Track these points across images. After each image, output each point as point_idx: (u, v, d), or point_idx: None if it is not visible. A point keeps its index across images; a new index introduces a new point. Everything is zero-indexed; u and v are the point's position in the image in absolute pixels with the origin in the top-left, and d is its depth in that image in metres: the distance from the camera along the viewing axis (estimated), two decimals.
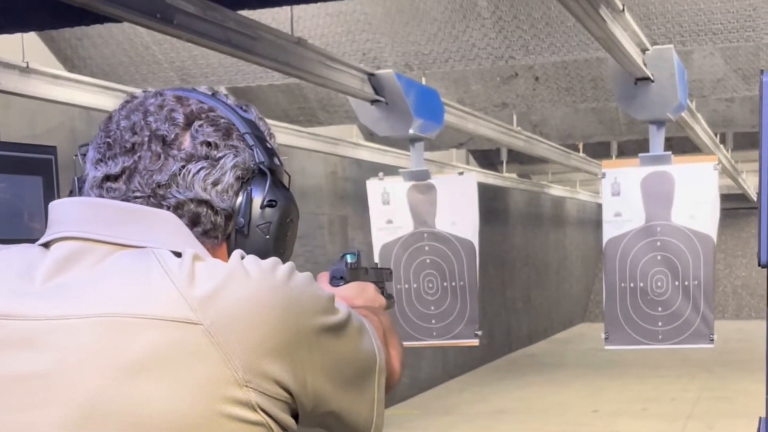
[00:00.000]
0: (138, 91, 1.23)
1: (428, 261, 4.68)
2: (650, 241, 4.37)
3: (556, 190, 13.20)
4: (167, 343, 1.03)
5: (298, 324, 1.08)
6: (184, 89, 1.23)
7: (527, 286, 13.85)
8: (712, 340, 4.34)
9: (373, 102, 4.38)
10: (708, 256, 4.30)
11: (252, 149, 1.20)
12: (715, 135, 8.26)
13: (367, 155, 7.25)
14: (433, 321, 4.68)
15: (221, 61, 4.72)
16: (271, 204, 1.21)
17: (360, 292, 1.52)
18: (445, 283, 4.67)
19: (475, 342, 4.70)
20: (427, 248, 4.67)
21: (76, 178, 1.21)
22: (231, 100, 1.25)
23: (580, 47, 4.46)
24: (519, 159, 11.33)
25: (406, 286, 4.63)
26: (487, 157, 11.81)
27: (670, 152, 4.26)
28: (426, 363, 9.83)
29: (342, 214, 7.90)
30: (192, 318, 1.03)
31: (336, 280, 1.52)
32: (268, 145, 1.24)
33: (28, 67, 3.67)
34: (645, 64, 3.87)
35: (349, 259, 1.54)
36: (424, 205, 4.63)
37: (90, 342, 1.04)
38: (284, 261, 1.21)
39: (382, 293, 1.59)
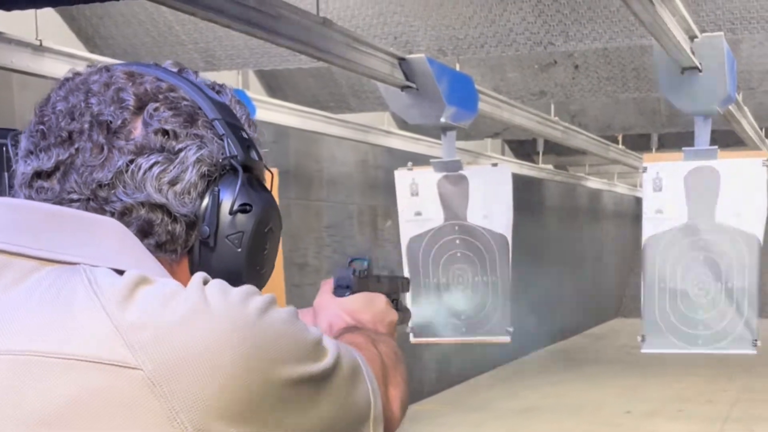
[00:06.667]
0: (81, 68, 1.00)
1: (459, 255, 4.48)
2: (693, 241, 4.15)
3: (593, 183, 12.92)
4: (93, 392, 0.80)
5: (270, 374, 0.85)
6: (141, 64, 0.99)
7: (561, 279, 13.59)
8: (755, 345, 4.12)
9: (404, 88, 4.18)
10: (753, 257, 4.08)
11: (222, 139, 0.97)
12: (761, 129, 7.97)
13: (398, 144, 7.05)
14: (463, 317, 4.49)
15: (247, 43, 4.54)
16: (244, 209, 0.97)
17: (367, 305, 1.28)
18: (476, 278, 4.47)
19: (507, 339, 4.50)
20: (457, 241, 4.47)
21: (6, 175, 1.00)
22: (201, 79, 1.02)
23: (623, 34, 4.23)
24: (556, 150, 11.08)
25: (435, 280, 4.44)
26: (523, 147, 11.57)
27: (716, 146, 4.03)
28: (456, 357, 9.63)
29: (372, 204, 7.71)
30: (128, 360, 0.81)
31: (341, 289, 1.28)
32: (244, 135, 1.00)
33: (41, 45, 3.50)
34: (693, 53, 3.63)
35: (357, 266, 1.31)
36: (455, 197, 4.43)
37: None
38: (263, 280, 0.99)
39: (396, 306, 1.36)
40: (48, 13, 4.21)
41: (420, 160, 4.92)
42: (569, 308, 14.00)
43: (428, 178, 4.41)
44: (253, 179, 1.00)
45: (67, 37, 4.52)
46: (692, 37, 3.62)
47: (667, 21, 3.08)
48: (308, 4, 3.76)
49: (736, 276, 4.02)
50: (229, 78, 5.22)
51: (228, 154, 0.98)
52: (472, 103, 4.58)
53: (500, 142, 10.70)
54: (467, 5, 4.28)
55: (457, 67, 4.78)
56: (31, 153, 0.96)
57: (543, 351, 12.41)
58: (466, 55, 4.59)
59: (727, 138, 8.41)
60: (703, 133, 4.05)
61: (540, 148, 10.65)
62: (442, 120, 4.22)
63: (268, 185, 1.04)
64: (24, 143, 0.97)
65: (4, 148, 1.00)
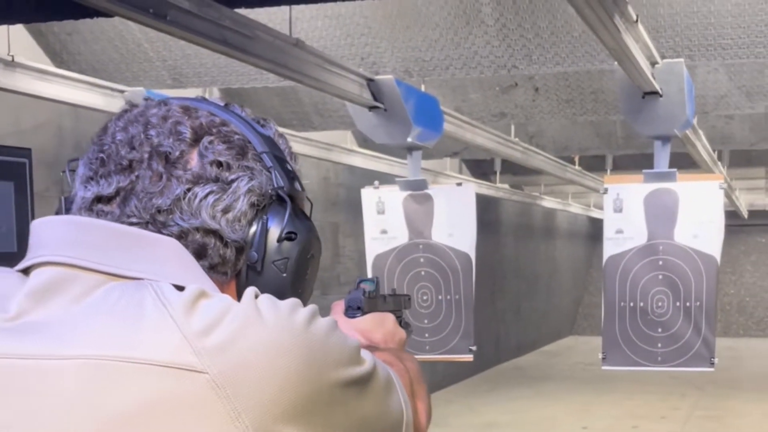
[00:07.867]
0: (139, 100, 1.07)
1: (423, 273, 4.54)
2: (652, 260, 4.25)
3: (548, 202, 13.08)
4: (163, 394, 0.86)
5: (320, 377, 0.92)
6: (193, 99, 1.07)
7: (517, 297, 13.72)
8: (712, 364, 4.22)
9: (372, 108, 4.24)
10: (711, 277, 4.18)
11: (270, 171, 1.04)
12: (714, 152, 8.16)
13: (360, 162, 7.11)
14: (427, 335, 4.54)
15: (215, 61, 4.57)
16: (290, 237, 1.05)
17: (379, 325, 1.37)
18: (440, 296, 4.53)
19: (469, 357, 4.57)
20: (422, 260, 4.53)
21: (63, 198, 1.04)
22: (247, 113, 1.09)
23: (585, 58, 4.33)
24: (512, 170, 11.21)
25: None
26: (480, 166, 11.69)
27: (675, 169, 4.14)
28: None
29: (333, 221, 7.75)
30: (195, 365, 0.87)
31: (352, 310, 1.37)
32: (289, 167, 1.08)
33: (13, 60, 3.52)
34: (654, 78, 3.74)
35: (367, 287, 1.39)
36: (420, 215, 4.50)
37: (70, 388, 0.87)
38: (303, 303, 1.04)
39: (400, 323, 1.44)
40: (16, 28, 4.21)
41: (381, 178, 4.98)
42: (524, 325, 14.13)
43: (394, 196, 4.47)
44: (297, 209, 1.08)
45: (34, 53, 4.51)
46: (653, 63, 3.73)
47: (630, 47, 3.18)
48: (278, 24, 3.81)
49: (694, 295, 4.12)
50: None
51: (275, 185, 1.05)
52: (437, 123, 4.67)
53: (458, 161, 10.80)
54: (433, 28, 4.36)
55: (422, 88, 4.86)
56: (91, 179, 1.02)
57: (499, 367, 12.51)
58: (431, 76, 4.66)
59: (682, 160, 8.60)
60: (662, 155, 4.15)
61: (497, 167, 10.77)
62: (409, 140, 4.28)
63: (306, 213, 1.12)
64: (82, 170, 1.03)
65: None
